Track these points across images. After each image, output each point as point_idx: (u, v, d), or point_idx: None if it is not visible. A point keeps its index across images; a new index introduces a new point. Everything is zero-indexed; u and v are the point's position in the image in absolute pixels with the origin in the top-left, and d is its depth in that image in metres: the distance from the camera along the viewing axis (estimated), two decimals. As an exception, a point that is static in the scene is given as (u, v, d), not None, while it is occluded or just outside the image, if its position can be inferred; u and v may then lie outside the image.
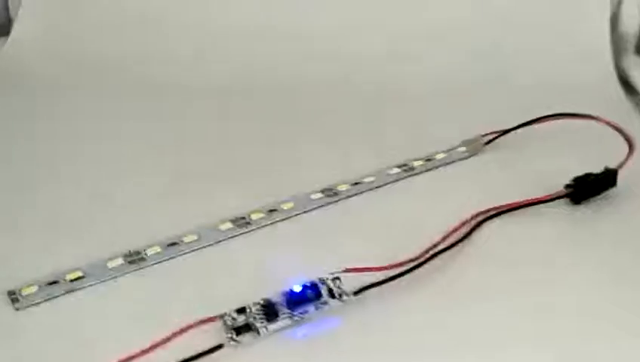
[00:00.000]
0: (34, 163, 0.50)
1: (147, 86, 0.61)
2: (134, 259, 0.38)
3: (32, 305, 0.35)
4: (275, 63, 0.64)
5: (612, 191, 0.44)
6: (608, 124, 0.48)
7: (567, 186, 0.44)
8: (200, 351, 0.31)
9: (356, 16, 0.67)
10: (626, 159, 0.45)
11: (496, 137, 0.51)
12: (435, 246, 0.38)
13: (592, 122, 0.48)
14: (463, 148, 0.50)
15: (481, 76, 0.62)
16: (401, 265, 0.36)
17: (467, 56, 0.65)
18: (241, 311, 0.33)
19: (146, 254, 0.38)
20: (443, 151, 0.50)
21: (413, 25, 0.67)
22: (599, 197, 0.44)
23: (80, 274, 0.37)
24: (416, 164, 0.48)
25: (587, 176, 0.44)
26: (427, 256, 0.37)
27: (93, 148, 0.52)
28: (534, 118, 0.50)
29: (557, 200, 0.43)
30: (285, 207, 0.43)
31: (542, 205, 0.43)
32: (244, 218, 0.42)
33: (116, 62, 0.65)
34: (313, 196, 0.44)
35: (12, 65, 0.65)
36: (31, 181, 0.48)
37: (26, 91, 0.61)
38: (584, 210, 0.43)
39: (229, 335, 0.32)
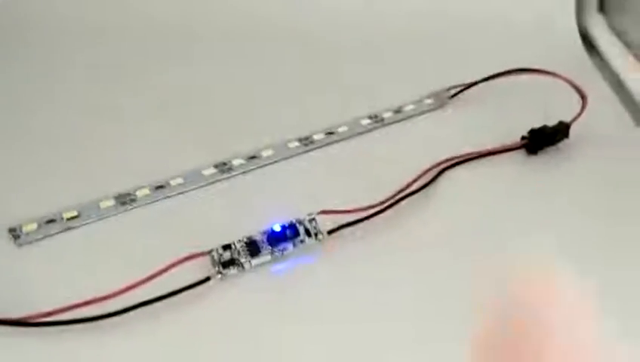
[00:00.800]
0: (28, 102, 0.53)
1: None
2: (125, 200, 0.41)
3: (33, 241, 0.38)
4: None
5: (565, 143, 0.48)
6: (565, 80, 0.51)
7: (523, 138, 0.47)
8: (190, 283, 0.34)
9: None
10: (579, 113, 0.49)
11: (460, 90, 0.55)
12: (401, 191, 0.42)
13: (551, 77, 0.52)
14: (430, 101, 0.54)
15: (447, 30, 0.65)
16: (371, 207, 0.40)
17: (431, 14, 0.68)
18: (226, 247, 0.36)
19: (135, 196, 0.41)
20: (412, 103, 0.53)
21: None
22: (553, 148, 0.48)
23: (75, 213, 0.40)
24: (386, 115, 0.52)
25: (542, 129, 0.47)
26: (394, 200, 0.41)
27: (86, 90, 0.55)
28: (497, 72, 0.54)
29: (514, 151, 0.47)
30: (265, 154, 0.46)
31: (500, 155, 0.47)
32: (225, 163, 0.45)
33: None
34: (290, 144, 0.47)
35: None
36: (25, 121, 0.50)
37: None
38: (538, 160, 0.47)
39: (217, 269, 0.35)
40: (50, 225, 0.39)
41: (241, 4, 0.67)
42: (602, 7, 0.73)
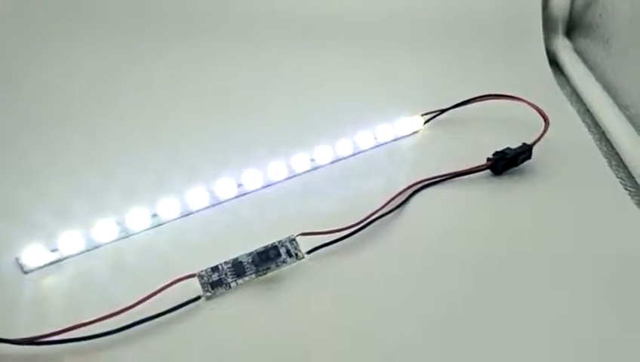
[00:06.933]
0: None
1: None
2: (121, 228, 0.44)
3: (37, 269, 0.42)
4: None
5: (527, 164, 0.52)
6: (529, 103, 0.55)
7: (489, 159, 0.51)
8: (182, 302, 0.38)
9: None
10: (541, 135, 0.52)
11: (434, 116, 0.59)
12: (375, 212, 0.46)
13: (517, 102, 0.56)
14: (404, 127, 0.57)
15: (420, 58, 0.69)
16: (346, 229, 0.44)
17: (407, 42, 0.72)
18: (214, 269, 0.40)
19: (130, 224, 0.45)
20: (387, 129, 0.57)
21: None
22: (516, 169, 0.52)
23: (74, 242, 0.43)
24: (364, 141, 0.55)
25: (505, 151, 0.51)
26: (368, 220, 0.45)
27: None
28: (467, 98, 0.58)
29: (480, 172, 0.51)
30: (249, 182, 0.50)
31: (467, 176, 0.51)
32: (213, 191, 0.48)
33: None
34: (272, 172, 0.51)
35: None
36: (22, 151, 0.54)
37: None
38: (503, 180, 0.51)
39: (206, 289, 0.39)
40: (53, 253, 0.42)
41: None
42: (569, 32, 0.78)
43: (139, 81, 0.65)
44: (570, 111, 0.63)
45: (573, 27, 0.77)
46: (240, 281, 0.40)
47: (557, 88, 0.67)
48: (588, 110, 0.64)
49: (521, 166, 0.52)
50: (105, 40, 0.70)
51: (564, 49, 0.74)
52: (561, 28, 0.77)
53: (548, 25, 0.76)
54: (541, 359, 0.37)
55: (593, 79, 0.67)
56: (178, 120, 0.59)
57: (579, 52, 0.74)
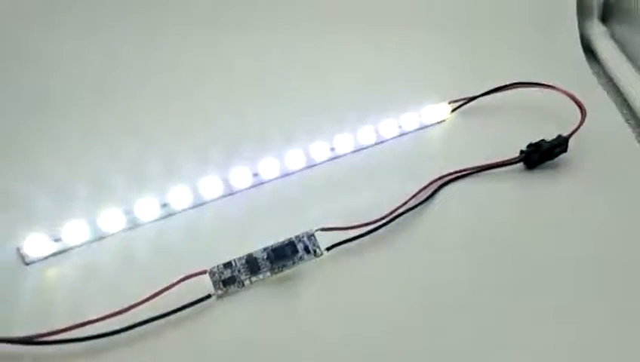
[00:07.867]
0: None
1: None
2: (129, 218, 0.42)
3: (39, 260, 0.39)
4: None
5: (562, 157, 0.49)
6: (564, 93, 0.52)
7: (522, 152, 0.48)
8: (191, 301, 0.35)
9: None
10: (577, 127, 0.49)
11: (462, 104, 0.55)
12: (400, 207, 0.43)
13: (551, 90, 0.52)
14: (431, 115, 0.54)
15: (449, 42, 0.66)
16: (368, 224, 0.41)
17: (435, 24, 0.68)
18: (227, 265, 0.37)
19: (139, 213, 0.42)
20: (412, 117, 0.53)
21: None
22: (551, 162, 0.48)
23: (79, 231, 0.40)
24: (387, 129, 0.52)
25: (540, 143, 0.48)
26: (391, 216, 0.42)
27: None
28: (498, 86, 0.54)
29: (513, 165, 0.48)
30: (265, 172, 0.47)
31: (498, 169, 0.47)
32: (227, 180, 0.45)
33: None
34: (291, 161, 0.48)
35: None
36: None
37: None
38: (536, 174, 0.48)
39: (217, 287, 0.36)
40: (56, 243, 0.40)
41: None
42: (605, 17, 0.73)
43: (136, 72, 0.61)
44: (607, 101, 0.59)
45: (609, 12, 0.73)
46: (254, 279, 0.37)
47: (592, 77, 0.63)
48: (625, 100, 0.60)
49: (556, 159, 0.48)
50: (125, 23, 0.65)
51: (600, 35, 0.70)
52: (596, 13, 0.73)
53: (582, 10, 0.72)
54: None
55: (631, 68, 0.63)
56: (189, 107, 0.55)
57: (615, 39, 0.70)
